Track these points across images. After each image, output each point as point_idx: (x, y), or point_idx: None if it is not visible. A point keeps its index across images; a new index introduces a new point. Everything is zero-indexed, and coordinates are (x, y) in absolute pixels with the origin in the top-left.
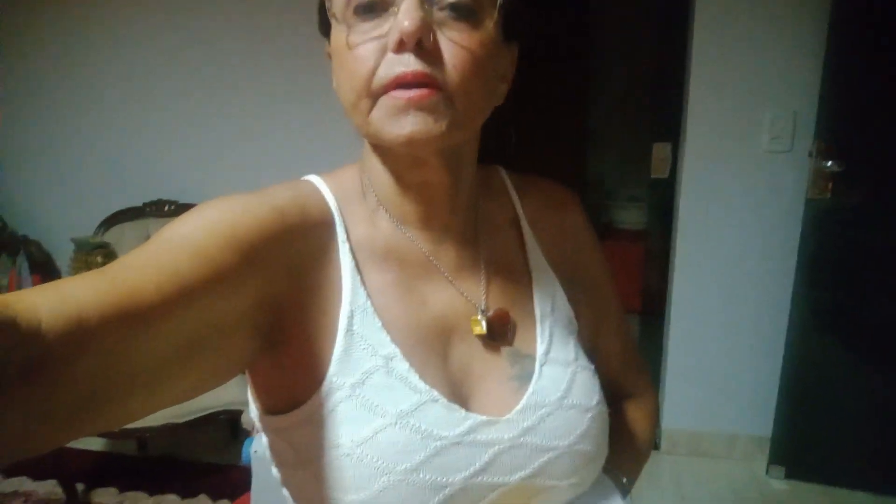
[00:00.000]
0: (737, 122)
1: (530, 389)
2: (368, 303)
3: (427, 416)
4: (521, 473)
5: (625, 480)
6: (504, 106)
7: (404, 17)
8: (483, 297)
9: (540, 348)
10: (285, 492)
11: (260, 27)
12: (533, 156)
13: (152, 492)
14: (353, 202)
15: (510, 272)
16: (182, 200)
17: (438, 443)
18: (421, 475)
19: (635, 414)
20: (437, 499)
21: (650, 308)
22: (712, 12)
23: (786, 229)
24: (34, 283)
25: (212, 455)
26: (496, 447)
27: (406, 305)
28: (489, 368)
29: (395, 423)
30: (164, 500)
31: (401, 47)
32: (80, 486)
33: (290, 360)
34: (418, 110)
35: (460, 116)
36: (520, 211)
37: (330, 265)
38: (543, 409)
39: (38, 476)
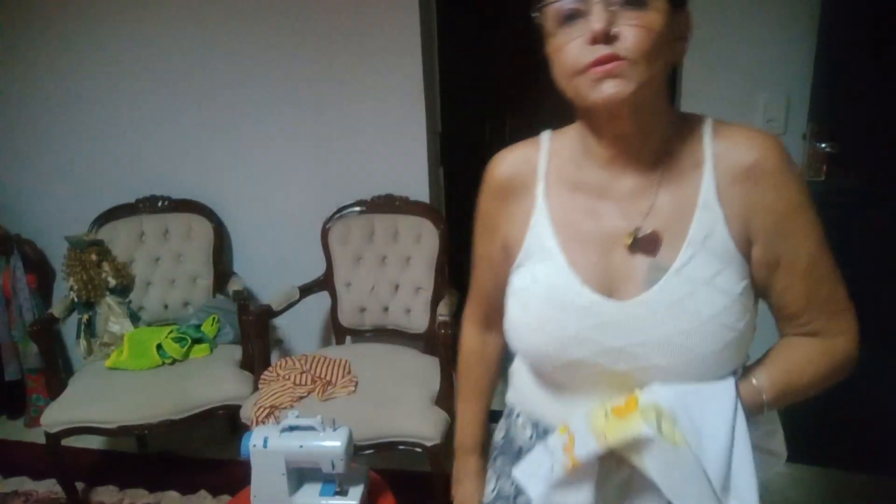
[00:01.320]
0: (731, 106)
1: (653, 288)
2: (546, 214)
3: (565, 287)
4: (620, 343)
5: (764, 398)
6: (499, 95)
7: (595, 21)
8: (642, 219)
9: (677, 264)
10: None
11: (254, 25)
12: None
13: (152, 489)
14: (563, 147)
15: (679, 206)
16: (175, 196)
17: (566, 303)
18: (550, 316)
19: (806, 346)
20: (554, 335)
21: None
22: None
23: None
24: (29, 283)
25: (211, 450)
26: (605, 318)
27: (575, 218)
28: (631, 271)
29: (544, 285)
30: (165, 497)
31: (595, 41)
32: (79, 485)
33: (504, 245)
34: (611, 78)
35: (643, 76)
36: (708, 154)
37: (528, 194)
38: (656, 304)
39: (37, 475)
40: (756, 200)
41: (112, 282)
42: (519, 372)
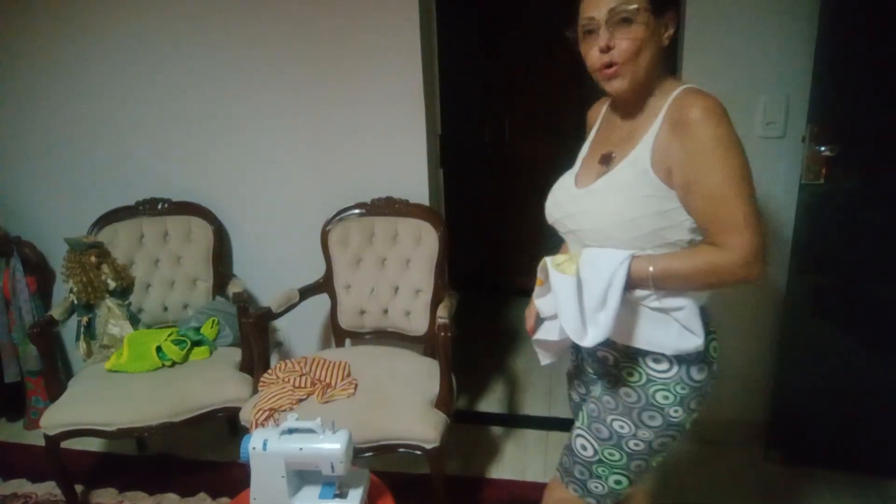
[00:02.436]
0: (730, 108)
1: (595, 182)
2: (593, 133)
3: (567, 175)
4: (571, 211)
5: (651, 269)
6: (498, 97)
7: (601, 40)
8: (614, 142)
9: (612, 172)
10: None
11: (254, 28)
12: (528, 144)
13: (152, 491)
14: (604, 104)
15: (633, 140)
16: (175, 198)
17: (561, 184)
18: (553, 193)
19: (700, 248)
20: (548, 204)
21: None
22: None
23: (780, 215)
24: (29, 285)
25: (210, 453)
26: (570, 196)
27: (598, 137)
28: (592, 171)
29: (565, 174)
30: (164, 499)
31: (601, 52)
32: (79, 488)
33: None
34: (614, 79)
35: (634, 74)
36: (664, 109)
37: (595, 122)
38: (593, 191)
39: (36, 478)
40: (677, 142)
41: (112, 284)
42: None
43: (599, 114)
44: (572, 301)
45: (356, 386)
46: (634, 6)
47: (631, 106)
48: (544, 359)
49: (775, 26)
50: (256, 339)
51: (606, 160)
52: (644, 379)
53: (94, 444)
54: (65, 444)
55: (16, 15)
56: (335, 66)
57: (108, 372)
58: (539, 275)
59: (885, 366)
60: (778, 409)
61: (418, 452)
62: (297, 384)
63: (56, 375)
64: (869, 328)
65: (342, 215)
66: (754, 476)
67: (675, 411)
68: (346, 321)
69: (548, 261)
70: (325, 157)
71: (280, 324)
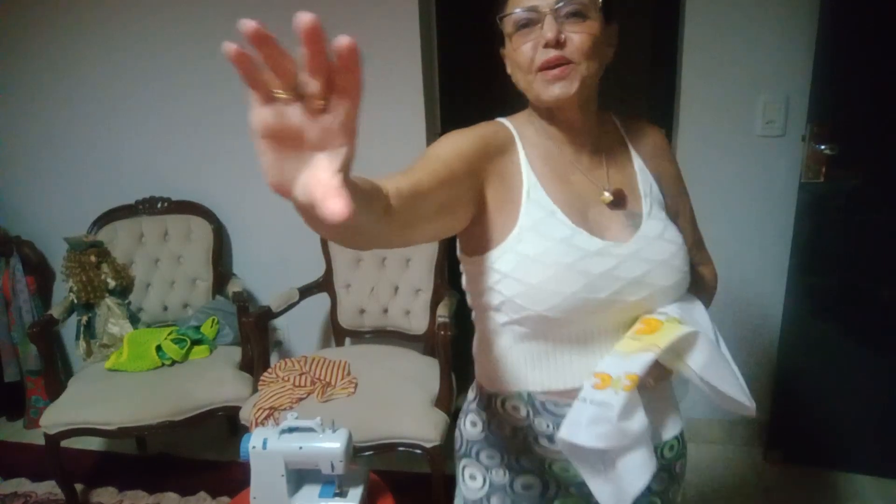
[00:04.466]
0: (730, 107)
1: (640, 230)
2: (538, 182)
3: (577, 240)
4: (636, 273)
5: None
6: (498, 96)
7: (548, 31)
8: (606, 182)
9: (645, 210)
10: (476, 312)
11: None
12: None
13: (152, 490)
14: (526, 129)
15: (623, 170)
16: (175, 198)
17: (584, 252)
18: (574, 267)
19: (703, 271)
20: (583, 281)
21: None
22: None
23: (780, 214)
24: (28, 285)
25: (210, 452)
26: (620, 258)
27: (559, 185)
28: (614, 220)
29: (559, 243)
30: (164, 499)
31: (547, 46)
32: (79, 487)
33: (492, 220)
34: (560, 80)
35: (585, 76)
36: (625, 135)
37: (513, 164)
38: (649, 240)
39: (36, 477)
40: (664, 168)
41: (111, 283)
42: (504, 357)
43: (510, 146)
44: (728, 367)
45: (356, 385)
46: None
47: (581, 129)
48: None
49: (775, 25)
50: (256, 339)
51: (621, 199)
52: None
53: (93, 444)
54: (65, 444)
55: (16, 14)
56: None
57: (107, 371)
58: (594, 388)
59: (886, 365)
60: (778, 408)
61: (418, 451)
62: (296, 383)
63: (56, 375)
64: (869, 327)
65: None
66: (755, 476)
67: None
68: (345, 320)
69: (621, 348)
70: None
71: (280, 323)
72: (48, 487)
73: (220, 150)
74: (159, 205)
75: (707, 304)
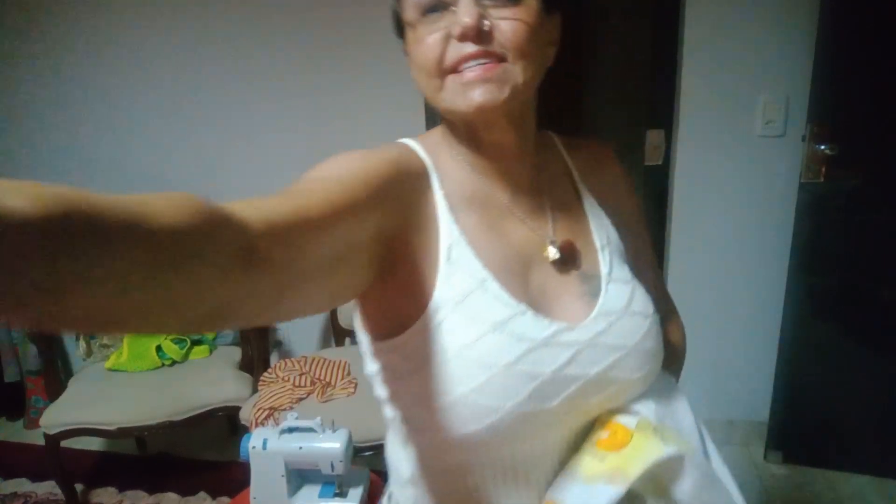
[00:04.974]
0: (730, 108)
1: (600, 301)
2: (462, 237)
3: (519, 324)
4: (598, 368)
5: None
6: None
7: (464, 15)
8: (551, 232)
9: (604, 269)
10: (391, 412)
11: (251, 19)
12: None
13: (152, 490)
14: (442, 158)
15: (571, 213)
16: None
17: (530, 343)
18: (518, 367)
19: (670, 327)
20: (531, 386)
21: None
22: None
23: (780, 214)
24: None
25: (210, 452)
26: (576, 347)
27: (490, 240)
28: (563, 287)
29: (494, 330)
30: (164, 499)
31: (464, 38)
32: (79, 487)
33: (399, 287)
34: (485, 82)
35: (520, 78)
36: (571, 165)
37: (428, 208)
38: (613, 316)
39: (36, 477)
40: (617, 203)
41: None
42: (417, 484)
43: (423, 182)
44: (721, 488)
45: (356, 385)
46: None
47: (516, 154)
48: None
49: (775, 25)
50: (256, 339)
51: (571, 256)
52: None
53: (93, 444)
54: (64, 444)
55: (12, 11)
56: (335, 61)
57: (107, 371)
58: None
59: (885, 366)
60: (778, 408)
61: None
62: (296, 383)
63: (56, 375)
64: (868, 328)
65: None
66: (755, 476)
67: None
68: (345, 320)
69: (581, 471)
70: (323, 153)
71: (280, 323)
72: (48, 487)
73: (217, 145)
74: None
75: (678, 373)
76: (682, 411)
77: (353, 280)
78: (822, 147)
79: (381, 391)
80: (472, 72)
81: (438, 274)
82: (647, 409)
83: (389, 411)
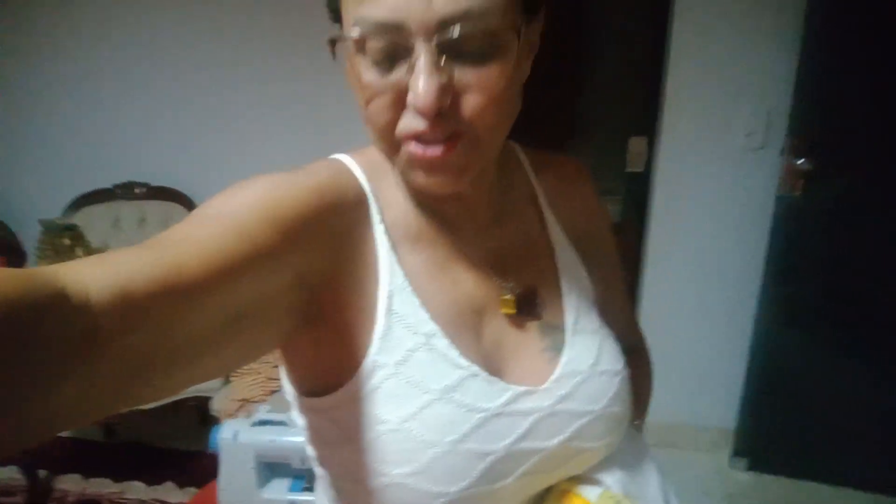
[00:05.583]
0: (713, 118)
1: (564, 359)
2: (407, 283)
3: (469, 390)
4: (560, 438)
5: (636, 422)
6: None
7: (422, 89)
8: (510, 277)
9: (568, 319)
10: (320, 471)
11: (239, 14)
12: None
13: (118, 478)
14: (384, 183)
15: (534, 249)
16: (153, 183)
17: (481, 414)
18: (466, 445)
19: (635, 369)
20: (481, 466)
21: None
22: (691, 7)
23: (757, 225)
24: (0, 265)
25: (179, 442)
26: (535, 415)
27: (440, 285)
28: (522, 342)
29: (440, 399)
30: (130, 487)
31: (419, 115)
32: (42, 473)
33: (329, 340)
34: (441, 171)
35: (485, 151)
36: (537, 188)
37: (365, 245)
38: (578, 377)
39: None
40: (587, 228)
41: None
42: None
43: (359, 212)
44: None
45: None
46: (500, 7)
47: (470, 196)
48: None
49: (760, 37)
50: None
51: (531, 305)
52: None
53: None
54: None
55: (12, 11)
56: (323, 54)
57: None
58: None
59: (853, 377)
60: (745, 416)
61: None
62: (270, 375)
63: None
64: (839, 339)
65: None
66: (720, 483)
67: None
68: None
69: None
70: (316, 148)
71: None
72: (9, 473)
73: (203, 136)
74: (136, 190)
75: (644, 413)
76: (649, 476)
77: (265, 335)
78: (800, 161)
79: (308, 450)
80: (426, 152)
81: (376, 327)
82: (611, 478)
83: (318, 470)
